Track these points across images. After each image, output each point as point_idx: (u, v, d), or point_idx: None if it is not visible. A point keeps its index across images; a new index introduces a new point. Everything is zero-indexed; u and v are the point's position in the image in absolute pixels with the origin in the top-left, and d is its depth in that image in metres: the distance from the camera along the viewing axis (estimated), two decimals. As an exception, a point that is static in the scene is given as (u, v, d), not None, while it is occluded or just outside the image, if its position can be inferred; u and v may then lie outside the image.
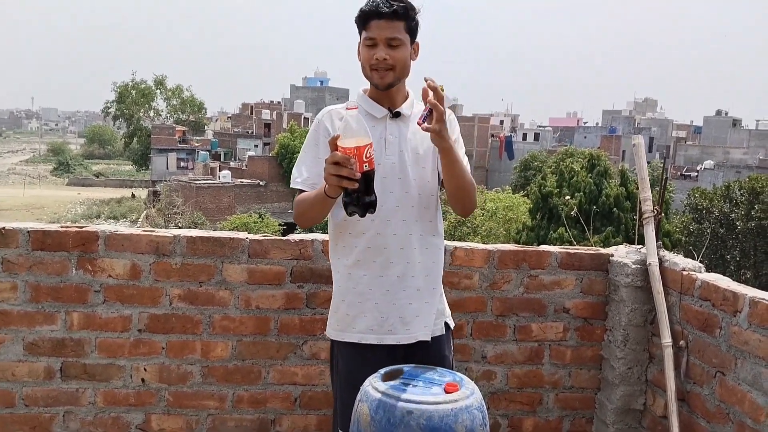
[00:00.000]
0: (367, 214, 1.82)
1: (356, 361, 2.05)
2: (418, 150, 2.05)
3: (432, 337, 2.09)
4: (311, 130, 2.10)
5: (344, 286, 2.08)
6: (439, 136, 1.83)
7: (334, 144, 1.73)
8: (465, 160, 2.03)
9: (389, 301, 2.03)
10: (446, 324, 2.17)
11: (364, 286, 2.04)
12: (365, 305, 2.04)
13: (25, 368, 2.61)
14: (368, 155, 1.73)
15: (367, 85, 2.07)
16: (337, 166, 1.71)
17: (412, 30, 1.99)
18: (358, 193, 1.75)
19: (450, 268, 2.78)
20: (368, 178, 1.75)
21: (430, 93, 1.80)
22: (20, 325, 2.59)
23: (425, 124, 1.81)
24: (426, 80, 1.82)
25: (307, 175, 2.05)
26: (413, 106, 2.09)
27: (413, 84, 2.07)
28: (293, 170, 2.10)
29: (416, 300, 2.06)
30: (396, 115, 2.05)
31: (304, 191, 2.04)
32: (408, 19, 1.96)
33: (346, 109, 1.75)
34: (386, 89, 2.01)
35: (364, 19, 1.97)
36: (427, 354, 2.06)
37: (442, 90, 1.82)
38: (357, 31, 2.02)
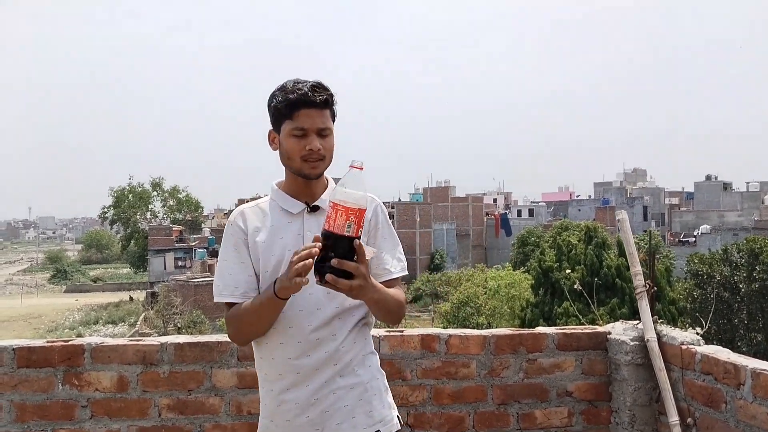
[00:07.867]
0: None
1: None
2: None
3: None
4: (225, 235, 1.90)
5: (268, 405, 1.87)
6: (357, 295, 1.69)
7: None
8: (397, 263, 1.91)
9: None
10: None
11: (287, 405, 1.81)
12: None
13: (10, 495, 2.49)
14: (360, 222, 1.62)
15: (280, 178, 1.93)
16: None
17: (335, 117, 1.88)
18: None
19: (446, 356, 2.72)
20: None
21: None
22: (4, 448, 2.50)
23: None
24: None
25: (235, 285, 1.83)
26: None
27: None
28: (215, 280, 1.87)
29: (345, 419, 1.81)
30: (314, 209, 1.88)
31: (236, 303, 1.83)
32: (332, 106, 1.86)
33: (350, 166, 1.65)
34: (315, 179, 1.87)
35: (291, 108, 1.80)
36: None
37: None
38: (272, 120, 1.86)
